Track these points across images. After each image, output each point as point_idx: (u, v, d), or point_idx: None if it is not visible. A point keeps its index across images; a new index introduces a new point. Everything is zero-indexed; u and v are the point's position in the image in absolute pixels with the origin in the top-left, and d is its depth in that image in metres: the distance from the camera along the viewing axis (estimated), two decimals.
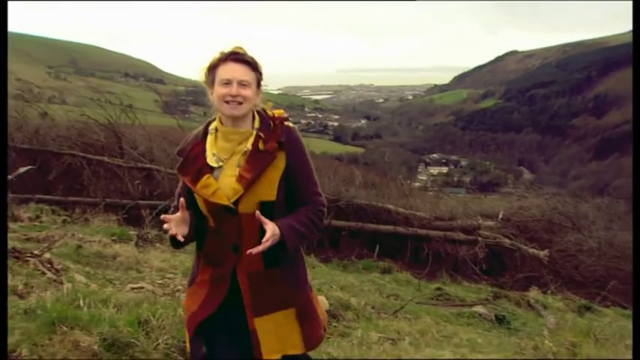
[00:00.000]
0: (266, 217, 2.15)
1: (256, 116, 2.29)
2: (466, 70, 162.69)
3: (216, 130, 2.28)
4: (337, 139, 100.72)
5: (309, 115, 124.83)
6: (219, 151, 2.25)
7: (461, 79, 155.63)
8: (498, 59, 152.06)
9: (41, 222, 8.70)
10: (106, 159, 11.46)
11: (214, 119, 2.32)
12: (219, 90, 2.20)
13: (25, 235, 6.89)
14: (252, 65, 2.24)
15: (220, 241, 2.25)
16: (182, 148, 2.32)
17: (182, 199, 2.19)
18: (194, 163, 2.24)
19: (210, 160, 2.23)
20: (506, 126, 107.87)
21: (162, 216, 2.19)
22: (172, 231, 2.15)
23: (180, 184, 2.38)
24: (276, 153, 2.22)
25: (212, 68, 2.24)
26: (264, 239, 2.11)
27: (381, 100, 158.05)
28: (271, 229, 2.13)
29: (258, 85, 2.28)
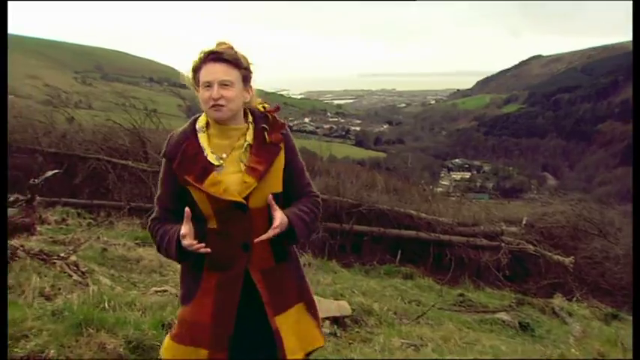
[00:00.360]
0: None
1: (247, 111, 2.23)
2: (489, 74, 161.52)
3: (207, 127, 2.19)
4: (359, 143, 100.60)
5: (331, 119, 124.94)
6: (215, 149, 2.15)
7: (484, 84, 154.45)
8: (522, 64, 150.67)
9: (67, 225, 8.83)
10: (130, 163, 11.61)
11: (199, 115, 2.24)
12: (202, 94, 2.12)
13: (52, 237, 7.00)
14: (234, 63, 2.14)
15: (226, 242, 2.13)
16: (172, 149, 2.17)
17: (187, 208, 2.07)
18: (195, 162, 2.12)
19: (212, 158, 2.13)
20: (530, 131, 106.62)
21: (181, 232, 2.05)
22: (202, 248, 2.05)
23: (164, 189, 2.23)
24: (281, 144, 2.20)
25: (196, 70, 2.16)
26: (274, 226, 2.08)
27: (404, 105, 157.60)
28: (279, 216, 2.11)
29: (246, 81, 2.19)
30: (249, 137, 2.17)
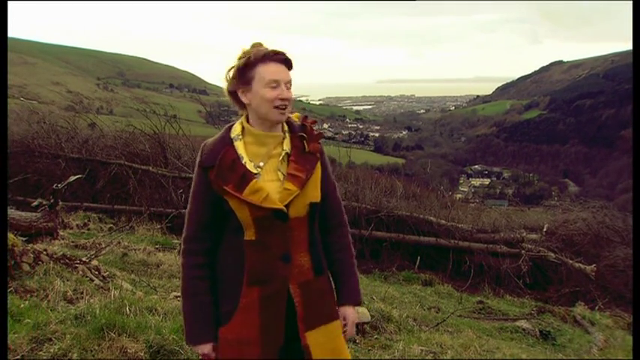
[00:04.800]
0: (312, 220, 2.13)
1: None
2: (509, 80, 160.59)
3: (242, 134, 2.12)
4: (378, 149, 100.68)
5: (350, 125, 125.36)
6: (252, 156, 2.09)
7: (504, 90, 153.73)
8: (543, 69, 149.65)
9: (89, 229, 8.95)
10: (150, 168, 11.70)
11: (232, 124, 2.16)
12: (267, 92, 2.03)
13: (74, 242, 7.10)
14: (291, 67, 2.11)
15: (265, 253, 2.05)
16: (207, 157, 2.08)
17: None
18: (233, 170, 2.03)
19: (250, 166, 2.06)
20: (551, 137, 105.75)
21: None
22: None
23: (198, 202, 2.12)
24: (318, 154, 2.17)
25: (249, 67, 2.06)
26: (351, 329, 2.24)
27: (423, 111, 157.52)
28: (352, 320, 2.24)
29: None
30: (287, 146, 2.13)
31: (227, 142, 2.10)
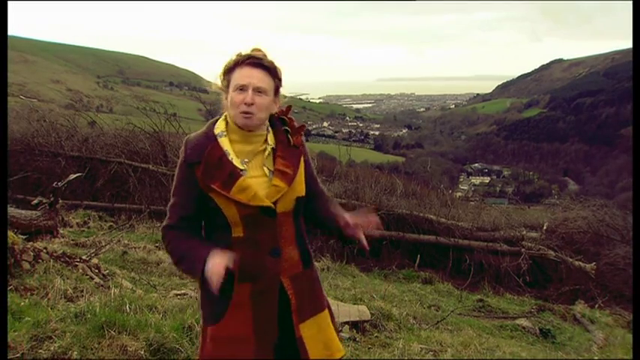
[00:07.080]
0: (298, 213, 2.13)
1: None
2: (509, 78, 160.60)
3: (226, 131, 2.10)
4: (378, 148, 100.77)
5: (350, 124, 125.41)
6: (237, 153, 2.06)
7: (504, 88, 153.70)
8: (543, 67, 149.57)
9: (89, 228, 8.96)
10: (150, 166, 11.71)
11: (216, 119, 2.14)
12: (233, 97, 2.03)
13: (74, 240, 7.11)
14: (272, 71, 2.07)
15: (254, 249, 2.03)
16: (192, 153, 2.05)
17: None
18: (220, 168, 2.01)
19: (237, 162, 2.03)
20: (551, 135, 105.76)
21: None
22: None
23: (181, 196, 2.09)
24: (302, 147, 2.18)
25: (228, 72, 2.07)
26: (362, 228, 2.13)
27: (423, 109, 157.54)
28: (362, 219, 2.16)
29: (277, 93, 2.12)
30: (272, 141, 2.12)
31: (211, 138, 2.07)
